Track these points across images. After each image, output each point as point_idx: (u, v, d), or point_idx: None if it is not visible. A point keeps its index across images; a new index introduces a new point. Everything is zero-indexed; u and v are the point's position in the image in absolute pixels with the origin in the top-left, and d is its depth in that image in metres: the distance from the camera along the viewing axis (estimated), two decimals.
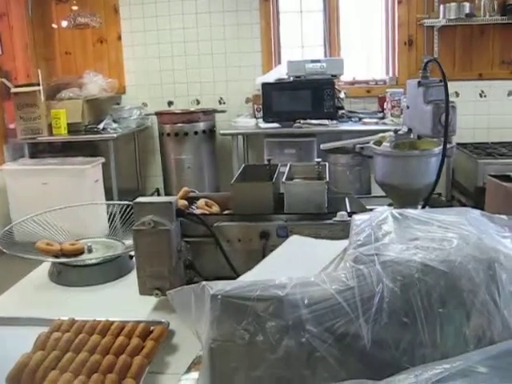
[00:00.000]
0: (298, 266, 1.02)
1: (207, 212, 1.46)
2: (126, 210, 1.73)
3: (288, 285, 0.74)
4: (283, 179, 1.42)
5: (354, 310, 0.73)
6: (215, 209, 1.50)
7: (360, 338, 0.72)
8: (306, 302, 0.73)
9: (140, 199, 1.29)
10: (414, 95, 1.48)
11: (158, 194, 5.61)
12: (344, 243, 1.01)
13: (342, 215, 1.29)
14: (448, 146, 1.65)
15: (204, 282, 0.76)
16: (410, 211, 0.96)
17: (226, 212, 1.51)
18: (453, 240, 0.84)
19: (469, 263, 0.79)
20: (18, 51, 5.38)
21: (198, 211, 1.42)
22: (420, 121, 1.46)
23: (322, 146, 2.11)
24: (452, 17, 4.75)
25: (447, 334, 0.74)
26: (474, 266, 0.79)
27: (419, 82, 1.46)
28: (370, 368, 0.72)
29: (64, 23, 5.33)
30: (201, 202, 1.50)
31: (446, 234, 0.86)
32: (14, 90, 4.92)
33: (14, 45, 5.35)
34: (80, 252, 1.62)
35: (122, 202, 1.82)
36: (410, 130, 1.54)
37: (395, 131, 1.54)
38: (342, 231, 1.25)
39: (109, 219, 1.89)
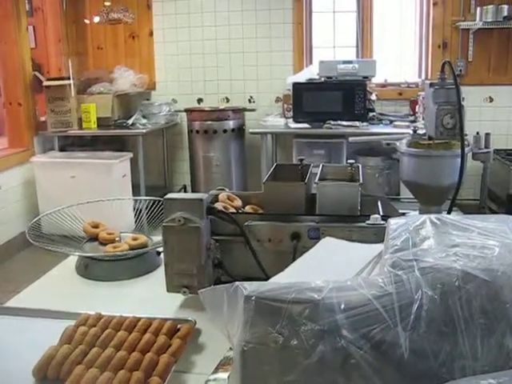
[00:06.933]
0: (331, 268, 0.99)
1: (229, 206, 1.44)
2: (152, 205, 1.72)
3: (324, 288, 0.71)
4: (316, 180, 1.39)
5: (392, 317, 0.71)
6: (237, 203, 1.49)
7: (397, 346, 0.69)
8: (342, 306, 0.70)
9: (170, 195, 1.28)
10: (428, 96, 1.47)
11: (185, 191, 5.62)
12: (378, 247, 0.99)
13: (375, 218, 1.26)
14: (485, 150, 1.63)
15: (237, 283, 0.74)
16: (448, 216, 0.93)
17: (247, 207, 1.49)
18: (494, 248, 0.81)
19: None
20: (51, 45, 5.44)
21: (219, 205, 1.40)
22: (429, 121, 1.46)
23: (350, 139, 2.14)
24: (489, 19, 4.66)
25: (488, 346, 0.71)
26: None
27: (431, 83, 1.44)
28: (407, 378, 0.69)
29: (96, 18, 5.37)
30: (222, 195, 1.48)
31: (486, 242, 0.83)
32: (45, 83, 4.98)
33: (47, 39, 5.41)
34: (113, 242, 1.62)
35: (149, 198, 1.81)
36: None
37: (414, 131, 1.54)
38: (375, 235, 1.22)
39: (135, 215, 1.89)
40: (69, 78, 5.10)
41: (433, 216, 0.92)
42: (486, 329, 0.71)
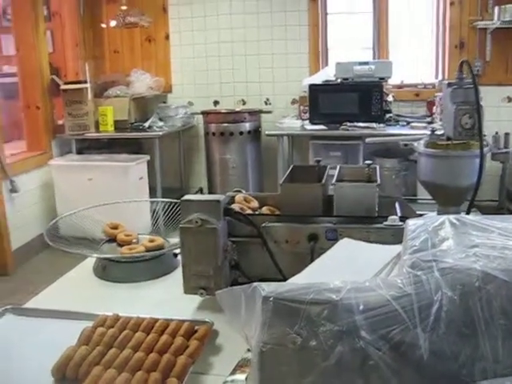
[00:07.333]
0: (350, 270, 0.99)
1: (245, 207, 1.44)
2: (169, 207, 1.72)
3: (343, 289, 0.71)
4: (333, 181, 1.38)
5: (411, 318, 0.70)
6: (253, 204, 1.48)
7: (416, 348, 0.69)
8: (361, 307, 0.70)
9: (188, 196, 1.28)
10: (446, 96, 1.46)
11: (202, 193, 5.63)
12: (396, 248, 0.98)
13: (393, 219, 1.25)
14: (504, 150, 1.61)
15: (255, 283, 0.74)
16: (467, 217, 0.92)
17: (264, 208, 1.49)
18: None
19: None
20: (68, 49, 5.49)
21: (235, 206, 1.39)
22: (447, 122, 1.45)
23: (367, 140, 2.14)
24: (507, 19, 4.60)
25: (509, 347, 0.70)
26: None
27: (449, 83, 1.43)
28: (426, 380, 0.68)
29: (113, 23, 5.41)
30: (239, 196, 1.48)
31: (507, 242, 0.82)
32: (63, 86, 5.02)
33: (64, 43, 5.46)
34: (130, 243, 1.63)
35: (166, 200, 1.81)
36: None
37: (432, 131, 1.53)
38: (393, 236, 1.21)
39: (152, 217, 1.89)
40: (86, 82, 5.14)
41: (452, 216, 0.91)
42: (507, 330, 0.70)
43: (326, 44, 5.46)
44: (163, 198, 4.10)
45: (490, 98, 4.81)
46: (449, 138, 1.47)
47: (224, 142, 5.00)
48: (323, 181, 1.41)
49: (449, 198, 1.50)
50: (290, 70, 5.39)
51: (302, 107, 5.05)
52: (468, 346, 0.69)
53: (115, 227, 1.69)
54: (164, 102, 5.58)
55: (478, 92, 1.35)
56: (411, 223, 0.91)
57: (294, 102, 5.37)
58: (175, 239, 1.57)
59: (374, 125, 4.55)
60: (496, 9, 4.70)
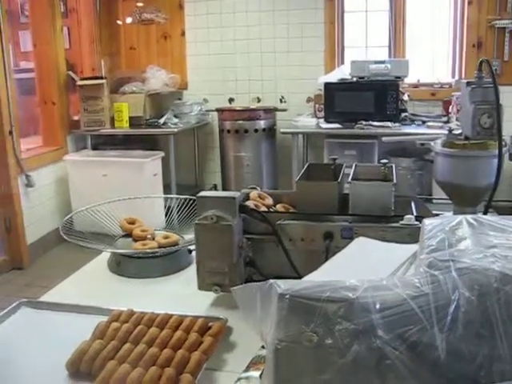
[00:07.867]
0: (365, 268, 0.98)
1: (260, 204, 1.44)
2: (183, 204, 1.73)
3: (359, 287, 0.71)
4: (349, 179, 1.38)
5: (428, 318, 0.69)
6: (268, 201, 1.48)
7: (433, 348, 0.68)
8: (377, 306, 0.69)
9: (203, 193, 1.28)
10: (464, 95, 1.44)
11: (216, 190, 5.64)
12: (412, 247, 0.97)
13: (409, 219, 1.24)
14: None
15: (271, 280, 0.73)
16: (485, 217, 0.91)
17: (278, 206, 1.49)
18: None
19: None
20: (84, 46, 5.52)
21: (250, 203, 1.39)
22: (466, 121, 1.43)
23: (384, 139, 2.13)
24: None
25: None
26: None
27: (468, 82, 1.42)
28: (443, 380, 0.68)
29: (129, 19, 5.43)
30: (254, 193, 1.48)
31: None
32: (79, 82, 5.05)
33: (81, 39, 5.50)
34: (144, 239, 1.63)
35: (180, 196, 1.82)
36: None
37: (449, 130, 1.51)
38: (409, 235, 1.20)
39: (166, 213, 1.90)
40: (102, 78, 5.16)
41: (469, 216, 0.90)
42: None
43: (343, 42, 5.44)
44: (177, 194, 4.11)
45: (508, 98, 4.76)
46: (467, 138, 1.46)
47: (239, 140, 5.00)
48: (339, 179, 1.40)
49: (466, 199, 1.49)
50: (305, 68, 5.38)
51: (317, 105, 5.03)
52: (486, 347, 0.69)
53: (132, 222, 1.70)
54: (179, 99, 5.59)
55: (498, 91, 1.34)
56: (428, 223, 0.90)
57: (309, 100, 5.35)
58: (189, 236, 1.58)
59: (389, 124, 4.53)
60: None
